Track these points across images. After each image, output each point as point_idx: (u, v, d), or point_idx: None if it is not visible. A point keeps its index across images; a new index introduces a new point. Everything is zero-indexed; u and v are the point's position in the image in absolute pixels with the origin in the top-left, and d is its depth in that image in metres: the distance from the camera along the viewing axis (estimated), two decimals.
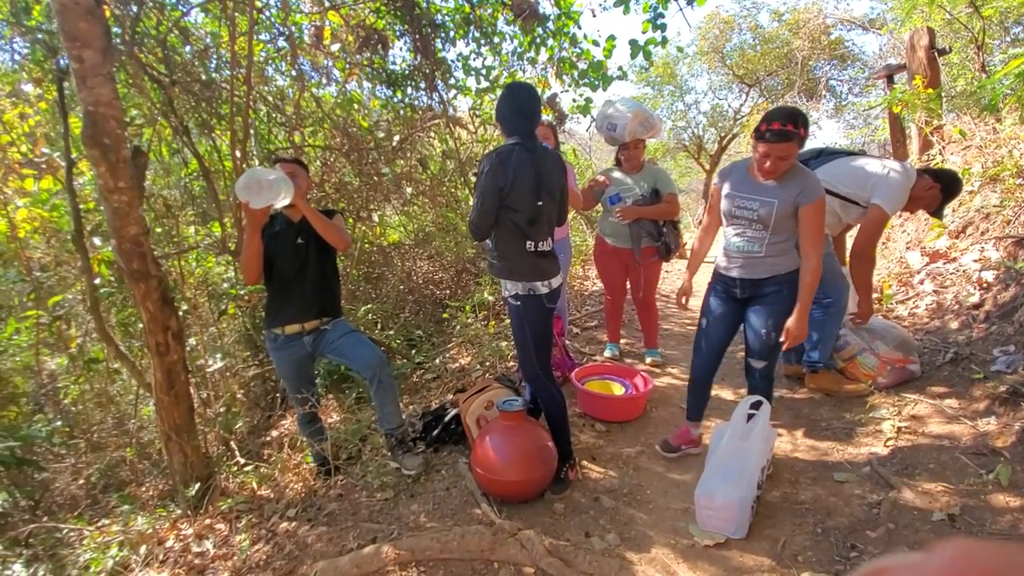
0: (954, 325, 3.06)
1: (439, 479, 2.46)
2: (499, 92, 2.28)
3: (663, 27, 3.31)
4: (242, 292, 4.08)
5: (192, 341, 3.70)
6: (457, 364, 4.17)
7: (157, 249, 4.12)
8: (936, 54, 5.06)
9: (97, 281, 3.39)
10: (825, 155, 2.77)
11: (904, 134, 5.69)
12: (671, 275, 6.70)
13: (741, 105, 13.68)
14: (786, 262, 2.13)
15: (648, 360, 3.68)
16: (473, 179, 4.39)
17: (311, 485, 2.69)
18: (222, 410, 3.83)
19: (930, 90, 4.77)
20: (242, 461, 3.24)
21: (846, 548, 1.89)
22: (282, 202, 2.26)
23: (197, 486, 2.84)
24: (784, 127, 1.91)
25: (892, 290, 3.77)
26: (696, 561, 1.93)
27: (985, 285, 3.07)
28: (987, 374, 2.55)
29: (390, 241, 5.55)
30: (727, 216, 2.18)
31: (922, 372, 2.83)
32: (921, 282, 3.60)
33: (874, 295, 3.91)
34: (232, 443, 3.56)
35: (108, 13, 3.46)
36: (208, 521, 2.65)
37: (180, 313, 3.85)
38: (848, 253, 2.71)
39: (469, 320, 4.55)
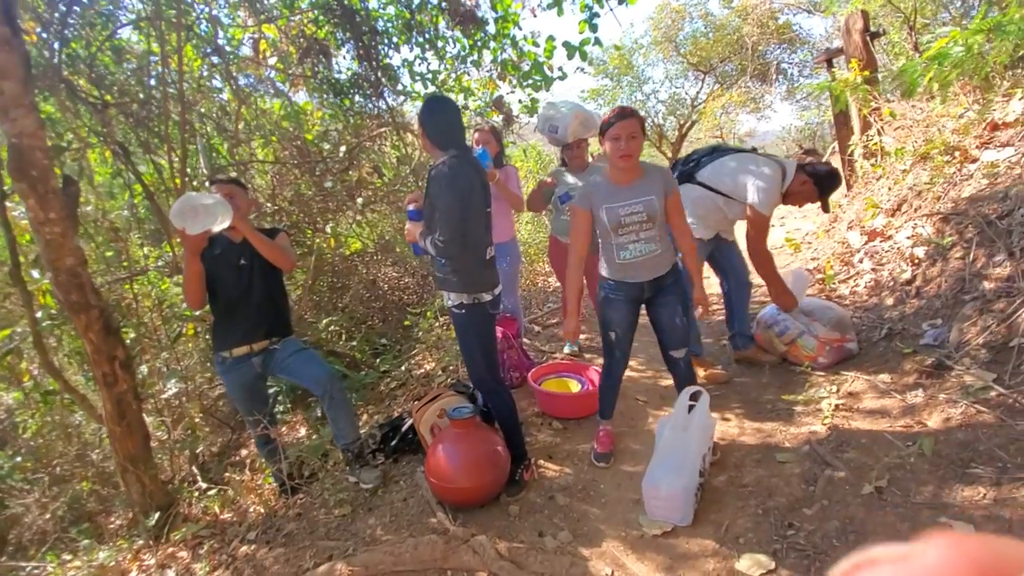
0: (889, 301, 3.20)
1: (397, 490, 2.49)
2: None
3: (595, 27, 3.36)
4: (198, 312, 4.02)
5: (144, 369, 3.63)
6: (422, 370, 4.19)
7: (108, 274, 4.05)
8: (870, 37, 5.22)
9: (40, 314, 3.30)
10: (717, 152, 2.96)
11: (847, 115, 5.87)
12: None
13: (698, 92, 13.90)
14: (673, 252, 2.31)
15: None
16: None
17: (272, 506, 2.68)
18: (184, 435, 3.78)
19: (865, 72, 4.93)
20: (204, 486, 3.21)
21: (784, 527, 1.97)
22: (220, 226, 2.24)
23: (157, 515, 2.82)
24: (623, 110, 2.11)
25: (834, 270, 3.91)
26: (644, 551, 2.00)
27: (916, 261, 3.21)
28: (916, 348, 2.68)
29: (352, 250, 5.52)
30: (616, 228, 2.21)
31: (860, 349, 2.96)
32: (860, 261, 3.74)
33: (818, 276, 4.06)
34: (194, 468, 3.52)
35: (34, 38, 3.37)
36: (171, 550, 2.63)
37: (135, 337, 3.79)
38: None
39: (432, 325, 4.56)
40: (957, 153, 3.60)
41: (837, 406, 2.55)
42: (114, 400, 2.82)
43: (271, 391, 3.93)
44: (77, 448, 4.17)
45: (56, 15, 3.27)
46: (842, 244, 4.26)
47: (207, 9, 3.59)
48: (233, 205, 2.27)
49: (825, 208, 2.94)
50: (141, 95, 3.71)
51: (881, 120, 4.72)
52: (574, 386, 3.15)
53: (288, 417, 4.19)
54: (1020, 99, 3.47)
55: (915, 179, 3.85)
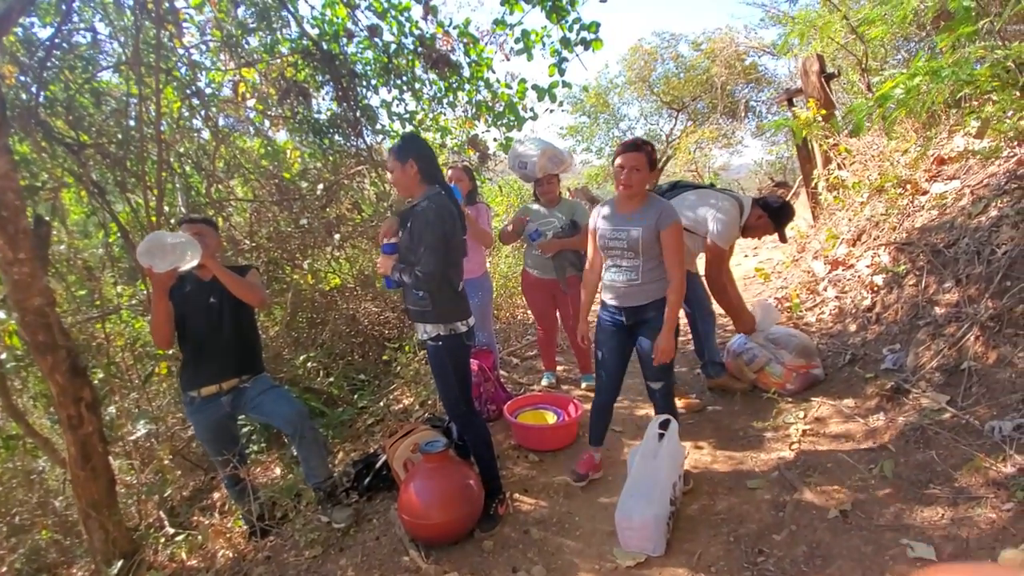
0: (852, 328, 3.31)
1: (369, 529, 2.45)
2: (402, 136, 2.36)
3: (563, 71, 3.54)
4: (170, 352, 3.97)
5: (112, 409, 3.55)
6: (401, 405, 4.16)
7: (79, 314, 3.99)
8: (826, 79, 5.54)
9: (4, 355, 3.24)
10: (678, 188, 3.13)
11: (809, 151, 6.15)
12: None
13: (672, 128, 14.43)
14: (661, 288, 2.28)
15: (584, 385, 3.78)
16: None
17: (240, 549, 2.61)
18: (153, 478, 3.67)
19: (823, 111, 5.20)
20: (171, 531, 3.11)
21: (754, 554, 1.99)
22: (189, 264, 2.26)
23: (120, 563, 2.71)
24: (633, 142, 2.23)
25: (800, 299, 4.03)
26: None
27: (876, 289, 3.34)
28: (877, 373, 2.77)
29: (331, 285, 5.52)
30: (604, 249, 2.33)
31: (826, 375, 3.04)
32: (825, 289, 3.88)
33: (786, 304, 4.18)
34: (161, 512, 3.41)
35: (12, 81, 3.42)
36: None
37: (104, 377, 3.72)
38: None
39: (410, 359, 4.55)
40: (909, 186, 3.79)
41: (804, 431, 2.60)
42: (79, 443, 2.75)
43: (244, 430, 3.86)
44: (39, 496, 4.01)
45: (35, 59, 3.32)
46: (808, 273, 4.41)
47: (187, 53, 3.68)
48: (202, 243, 2.29)
49: (782, 239, 3.08)
50: (119, 136, 3.75)
51: (839, 155, 4.96)
52: (551, 418, 3.16)
53: (263, 456, 4.10)
54: (962, 136, 3.70)
55: (872, 210, 4.03)
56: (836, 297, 3.70)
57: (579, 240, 3.37)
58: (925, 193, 3.63)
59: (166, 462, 3.81)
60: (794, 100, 6.51)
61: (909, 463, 2.14)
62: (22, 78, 3.42)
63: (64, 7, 3.28)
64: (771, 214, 2.91)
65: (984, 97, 3.59)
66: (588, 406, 3.43)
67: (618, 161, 2.22)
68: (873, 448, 2.32)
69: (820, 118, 5.13)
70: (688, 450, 2.66)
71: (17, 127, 3.22)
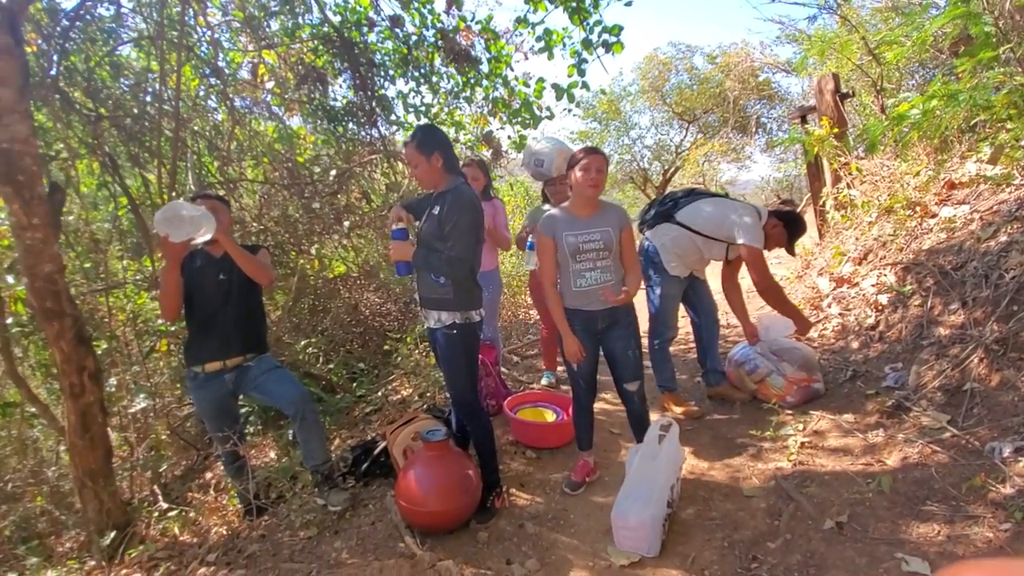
0: (855, 345, 3.32)
1: (365, 514, 2.45)
2: (419, 127, 2.38)
3: (583, 72, 3.55)
4: (172, 328, 3.97)
5: (113, 381, 3.55)
6: (399, 396, 4.17)
7: (84, 286, 3.99)
8: (840, 98, 5.56)
9: (9, 321, 3.24)
10: (693, 195, 3.14)
11: (820, 169, 6.17)
12: None
13: (682, 140, 14.47)
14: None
15: None
16: None
17: (235, 527, 2.62)
18: (148, 453, 3.67)
19: (835, 130, 5.22)
20: (165, 506, 3.11)
21: (748, 560, 2.00)
22: (203, 237, 2.27)
23: (113, 534, 2.72)
24: (594, 147, 2.38)
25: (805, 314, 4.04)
26: None
27: (880, 308, 3.35)
28: (878, 390, 2.78)
29: (336, 273, 5.53)
30: (574, 254, 2.31)
31: (826, 390, 3.05)
32: (829, 306, 3.89)
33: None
34: (156, 487, 3.41)
35: (34, 48, 3.43)
36: (124, 571, 2.54)
37: (106, 350, 3.72)
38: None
39: (411, 351, 4.56)
40: (918, 208, 3.81)
41: (803, 444, 2.61)
42: (79, 412, 2.76)
43: (242, 411, 3.87)
44: (32, 464, 4.01)
45: (59, 28, 3.34)
46: (812, 289, 4.43)
47: (209, 32, 3.70)
48: (216, 220, 2.31)
49: (791, 251, 3.09)
50: (135, 110, 3.76)
51: (849, 175, 4.98)
52: (550, 416, 3.17)
53: (258, 439, 4.10)
54: (974, 162, 3.72)
55: (880, 231, 4.05)
56: (840, 314, 3.71)
57: None
58: (934, 216, 3.65)
59: (162, 438, 3.81)
60: (807, 118, 6.53)
61: (907, 479, 2.14)
62: (43, 46, 3.43)
63: None
64: (786, 224, 2.92)
65: (999, 124, 3.61)
66: None
67: (584, 163, 2.25)
68: (871, 463, 2.33)
69: (832, 136, 5.15)
70: (686, 455, 2.66)
71: (36, 95, 3.23)
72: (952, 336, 2.63)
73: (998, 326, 2.42)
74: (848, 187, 5.11)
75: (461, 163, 3.48)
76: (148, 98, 3.84)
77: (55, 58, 3.35)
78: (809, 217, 7.37)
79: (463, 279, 2.23)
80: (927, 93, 3.29)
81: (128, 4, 3.74)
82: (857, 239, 4.35)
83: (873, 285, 3.59)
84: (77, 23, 3.45)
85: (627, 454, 2.69)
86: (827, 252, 4.90)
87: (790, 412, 2.98)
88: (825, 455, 2.51)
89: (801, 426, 2.78)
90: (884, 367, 2.92)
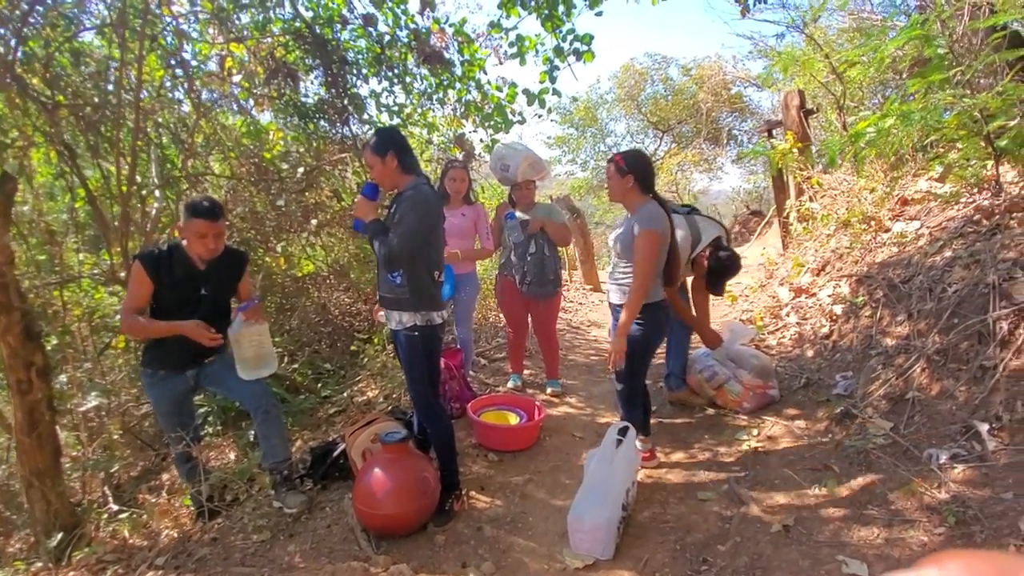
0: (810, 353, 3.43)
1: (321, 517, 2.43)
2: (377, 130, 2.38)
3: (554, 79, 3.60)
4: None
5: (64, 378, 3.44)
6: (364, 397, 4.13)
7: (37, 278, 3.85)
8: (805, 114, 5.75)
9: None
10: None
11: (784, 181, 6.36)
12: (584, 307, 6.98)
13: (656, 148, 14.69)
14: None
15: (549, 391, 3.82)
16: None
17: (187, 530, 2.55)
18: (100, 453, 3.56)
19: (799, 144, 5.39)
20: (115, 508, 3.02)
21: (699, 562, 2.05)
22: (256, 374, 2.45)
23: (60, 536, 2.63)
24: (613, 157, 2.45)
25: (764, 322, 4.16)
26: None
27: (835, 317, 3.48)
28: (829, 397, 2.88)
29: (305, 272, 5.44)
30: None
31: (781, 396, 3.15)
32: (787, 315, 4.01)
33: (750, 327, 4.30)
34: (106, 488, 3.31)
35: None
36: (72, 574, 2.46)
37: (58, 345, 3.59)
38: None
39: (378, 352, 4.52)
40: (873, 222, 3.96)
41: (756, 448, 2.69)
42: (26, 409, 2.67)
43: (201, 411, 3.78)
44: None
45: (17, 12, 3.22)
46: (773, 299, 4.56)
47: (174, 22, 3.61)
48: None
49: (712, 291, 3.11)
50: (96, 99, 3.65)
51: (811, 188, 5.15)
52: (513, 419, 3.18)
53: (218, 439, 4.01)
54: (926, 179, 3.89)
55: (837, 243, 4.19)
56: (797, 323, 3.83)
57: (557, 228, 3.39)
58: (888, 231, 3.80)
59: (115, 437, 3.70)
60: (774, 132, 6.73)
61: (851, 485, 2.23)
62: (1, 31, 3.31)
63: None
64: (710, 265, 2.95)
65: (949, 144, 3.78)
66: (552, 411, 3.49)
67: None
68: (819, 468, 2.41)
69: (796, 150, 5.32)
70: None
71: None
72: (897, 346, 2.74)
73: (940, 337, 2.54)
74: (810, 200, 5.28)
75: (448, 165, 3.48)
76: (110, 87, 3.73)
77: (13, 43, 3.23)
78: (775, 228, 7.58)
79: (420, 279, 2.23)
80: (882, 111, 3.43)
81: None
82: (816, 251, 4.50)
83: (829, 296, 3.72)
84: (37, 7, 3.34)
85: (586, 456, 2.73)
86: (788, 263, 5.05)
87: (745, 418, 3.06)
88: (776, 459, 2.59)
89: (755, 431, 2.86)
90: (835, 375, 3.02)
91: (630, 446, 2.26)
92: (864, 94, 7.26)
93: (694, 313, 3.20)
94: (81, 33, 3.74)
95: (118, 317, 3.96)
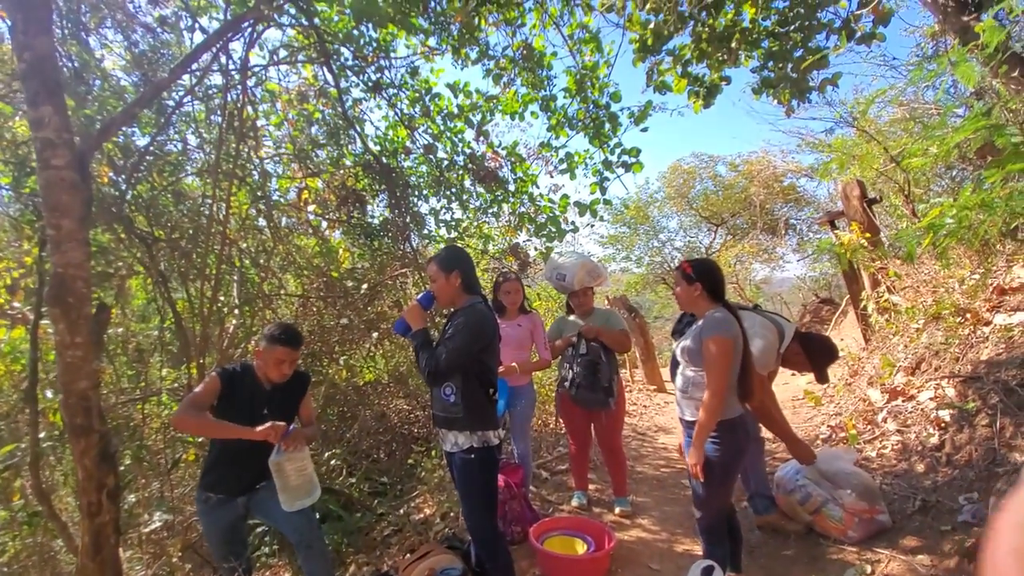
0: (920, 468, 2.98)
1: None
2: (444, 247, 2.46)
3: (604, 190, 3.70)
4: (200, 439, 3.96)
5: (132, 498, 3.50)
6: (421, 515, 3.94)
7: (123, 395, 4.10)
8: (868, 204, 5.56)
9: (43, 434, 3.31)
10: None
11: (856, 273, 6.03)
12: (649, 410, 6.60)
13: (711, 242, 14.59)
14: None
15: (617, 510, 3.50)
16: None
17: None
18: (160, 573, 3.51)
19: (867, 235, 5.16)
20: None
21: None
22: (300, 504, 2.37)
23: None
24: (680, 265, 2.35)
25: (857, 429, 3.72)
26: None
27: (943, 425, 3.06)
28: (954, 525, 2.44)
29: (366, 379, 5.53)
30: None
31: (892, 522, 2.70)
32: (884, 420, 3.58)
33: (841, 434, 3.87)
34: None
35: (106, 180, 3.83)
36: None
37: (132, 463, 3.71)
38: None
39: (436, 465, 4.37)
40: (968, 315, 3.61)
41: None
42: (94, 532, 2.69)
43: (257, 530, 3.71)
44: None
45: (130, 163, 3.74)
46: (863, 401, 4.11)
47: (261, 163, 4.08)
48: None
49: (819, 379, 2.86)
50: (191, 231, 4.08)
51: (887, 279, 4.83)
52: (580, 547, 2.89)
53: (273, 560, 3.89)
54: (1021, 266, 3.55)
55: (930, 338, 3.81)
56: (898, 431, 3.40)
57: (614, 335, 3.26)
58: (988, 324, 3.43)
59: (174, 559, 3.65)
60: (836, 222, 6.52)
61: None
62: (115, 178, 3.84)
63: (163, 120, 3.74)
64: (808, 352, 2.75)
65: None
66: (622, 535, 3.16)
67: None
68: None
69: (865, 242, 5.08)
70: None
71: (101, 220, 3.56)
72: None
73: None
74: (888, 291, 4.94)
75: (501, 278, 3.52)
76: (203, 221, 4.18)
77: (124, 187, 3.72)
78: (851, 319, 7.09)
79: (475, 396, 2.16)
80: (959, 202, 3.24)
81: (194, 141, 4.20)
82: (906, 346, 4.10)
83: (931, 399, 3.31)
84: (147, 158, 3.88)
85: None
86: (875, 359, 4.62)
87: (854, 549, 2.63)
88: None
89: (868, 568, 2.43)
90: (957, 497, 2.58)
91: None
92: (929, 179, 7.01)
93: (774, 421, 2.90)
94: (183, 177, 4.28)
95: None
